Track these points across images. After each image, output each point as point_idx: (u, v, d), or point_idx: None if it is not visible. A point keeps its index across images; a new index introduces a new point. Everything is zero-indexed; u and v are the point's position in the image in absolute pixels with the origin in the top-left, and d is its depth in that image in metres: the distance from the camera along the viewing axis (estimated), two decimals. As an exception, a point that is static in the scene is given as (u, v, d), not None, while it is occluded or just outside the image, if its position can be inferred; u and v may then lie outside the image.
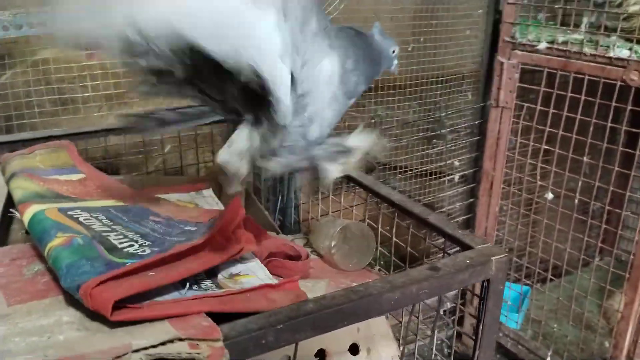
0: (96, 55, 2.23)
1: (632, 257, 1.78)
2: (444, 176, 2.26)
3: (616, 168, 1.82)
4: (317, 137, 0.94)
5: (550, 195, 2.00)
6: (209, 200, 1.35)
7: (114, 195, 1.23)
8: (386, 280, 0.89)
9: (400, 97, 2.15)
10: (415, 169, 2.31)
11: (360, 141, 0.99)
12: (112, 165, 1.58)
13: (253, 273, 1.04)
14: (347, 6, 1.93)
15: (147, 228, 1.07)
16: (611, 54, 1.74)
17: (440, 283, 0.91)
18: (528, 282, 2.24)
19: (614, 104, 1.77)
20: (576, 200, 1.93)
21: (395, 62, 1.11)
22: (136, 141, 1.64)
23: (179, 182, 1.45)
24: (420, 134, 2.18)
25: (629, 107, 1.75)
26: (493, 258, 0.96)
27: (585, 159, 1.87)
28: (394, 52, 1.10)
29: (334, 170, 0.97)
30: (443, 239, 1.11)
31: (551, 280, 2.16)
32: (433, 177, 2.28)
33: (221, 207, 1.30)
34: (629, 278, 1.79)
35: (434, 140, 2.16)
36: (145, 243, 0.99)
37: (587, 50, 1.81)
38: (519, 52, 2.01)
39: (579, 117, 1.86)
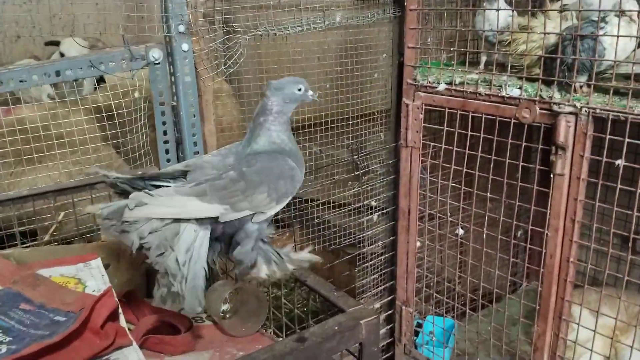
0: (11, 111, 2.18)
1: (539, 287, 1.82)
2: (363, 216, 2.27)
3: (534, 187, 1.86)
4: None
5: (460, 231, 2.03)
6: (94, 272, 1.32)
7: (-9, 276, 1.19)
8: (250, 357, 0.88)
9: (317, 135, 2.20)
10: (340, 204, 2.34)
11: (303, 257, 1.24)
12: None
13: (125, 357, 1.01)
14: (278, 49, 2.01)
15: (13, 320, 1.04)
16: (504, 93, 1.80)
17: (306, 355, 0.91)
18: (462, 309, 2.26)
19: (509, 140, 1.82)
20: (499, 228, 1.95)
21: (309, 93, 1.30)
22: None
23: (69, 253, 1.41)
24: (336, 177, 2.19)
25: (523, 144, 1.81)
26: (362, 322, 0.96)
27: (488, 194, 1.92)
28: (299, 90, 1.28)
29: (264, 270, 1.20)
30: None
31: (475, 310, 2.18)
32: (355, 216, 2.30)
33: (106, 280, 1.27)
34: (539, 309, 1.83)
35: (349, 183, 2.18)
36: (5, 340, 0.96)
37: (482, 90, 1.86)
38: (422, 94, 2.06)
39: (479, 154, 1.91)
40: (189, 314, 1.16)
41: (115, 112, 1.94)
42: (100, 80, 2.70)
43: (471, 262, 2.03)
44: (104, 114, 1.94)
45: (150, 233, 1.09)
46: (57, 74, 1.55)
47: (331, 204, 2.50)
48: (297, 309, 1.28)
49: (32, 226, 1.57)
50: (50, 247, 1.56)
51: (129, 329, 1.16)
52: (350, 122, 2.37)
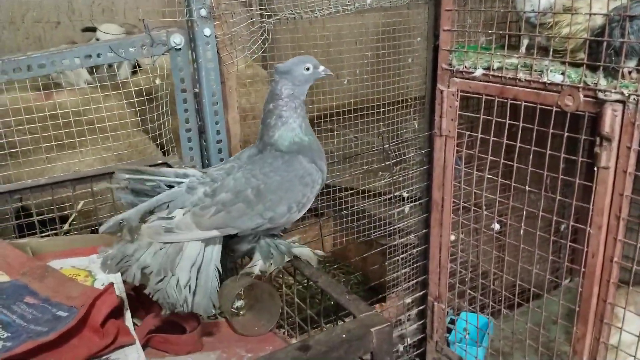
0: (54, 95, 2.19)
1: (580, 288, 1.70)
2: (395, 207, 2.19)
3: (579, 181, 1.74)
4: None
5: (497, 227, 1.92)
6: (107, 264, 1.28)
7: (0, 266, 1.17)
8: (249, 365, 0.82)
9: (352, 122, 2.13)
10: (371, 194, 2.27)
11: (302, 253, 1.20)
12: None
13: (125, 356, 0.97)
14: (313, 30, 1.93)
15: (15, 314, 1.01)
16: (545, 79, 1.68)
17: (309, 365, 0.84)
18: (497, 307, 2.15)
19: (551, 130, 1.70)
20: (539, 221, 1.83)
21: (320, 69, 1.22)
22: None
23: (87, 243, 1.39)
24: (366, 167, 2.11)
25: (565, 134, 1.68)
26: (374, 329, 0.89)
27: (527, 187, 1.80)
28: (307, 69, 1.19)
29: (260, 266, 1.16)
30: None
31: (512, 308, 2.07)
32: (387, 207, 2.22)
33: (118, 274, 1.23)
34: (579, 311, 1.71)
35: (380, 173, 2.09)
36: (2, 335, 0.93)
37: (522, 75, 1.74)
38: (457, 80, 1.95)
39: (518, 144, 1.79)
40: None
41: (145, 98, 1.92)
42: (137, 65, 2.71)
43: (507, 258, 1.92)
44: (135, 99, 1.92)
45: (152, 256, 1.05)
46: (64, 60, 1.51)
47: (363, 194, 2.42)
48: (310, 310, 1.21)
49: (50, 215, 1.55)
50: (67, 237, 1.54)
51: (136, 325, 1.12)
52: (384, 109, 2.29)
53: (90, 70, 2.42)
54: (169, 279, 1.05)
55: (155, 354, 1.07)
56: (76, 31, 3.31)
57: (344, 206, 2.43)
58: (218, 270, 1.11)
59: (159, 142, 2.04)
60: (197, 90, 1.71)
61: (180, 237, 1.08)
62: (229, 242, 1.19)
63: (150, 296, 1.05)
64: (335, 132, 2.41)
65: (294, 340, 1.29)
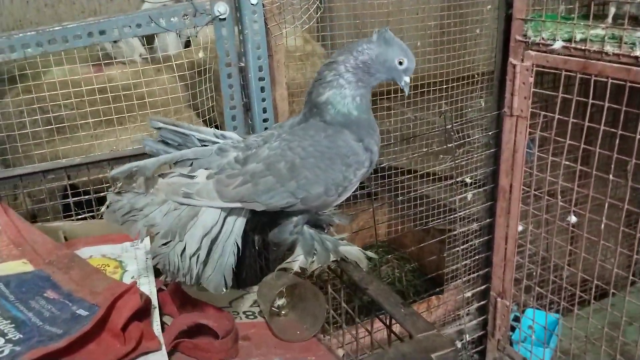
0: (104, 68, 2.13)
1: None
2: (456, 193, 2.00)
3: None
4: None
5: (573, 219, 1.71)
6: (140, 254, 1.19)
7: (26, 253, 1.09)
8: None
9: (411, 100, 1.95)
10: (431, 178, 2.10)
11: (350, 252, 1.06)
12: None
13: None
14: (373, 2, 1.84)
15: (32, 312, 0.92)
16: (637, 53, 1.45)
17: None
18: (567, 305, 1.95)
19: (642, 112, 1.47)
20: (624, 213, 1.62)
21: (406, 79, 1.05)
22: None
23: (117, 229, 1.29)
24: (425, 149, 1.93)
25: (660, 116, 1.45)
26: (434, 355, 0.73)
27: (611, 176, 1.58)
28: (400, 63, 1.03)
29: (300, 262, 1.03)
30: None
31: (582, 306, 1.87)
32: (448, 193, 2.05)
33: (149, 265, 1.13)
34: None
35: (441, 156, 1.91)
36: (14, 337, 0.84)
37: (609, 49, 1.52)
38: (533, 53, 1.73)
39: (602, 127, 1.57)
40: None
41: (195, 71, 1.82)
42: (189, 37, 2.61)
43: (584, 255, 1.71)
44: (187, 73, 1.82)
45: (163, 215, 0.93)
46: (102, 33, 1.40)
47: (422, 178, 2.25)
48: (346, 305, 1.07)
49: (87, 197, 1.47)
50: (102, 222, 1.45)
51: (165, 325, 1.01)
52: (447, 86, 2.09)
53: (146, 43, 2.35)
54: (175, 244, 0.94)
55: (183, 360, 0.96)
56: (131, 4, 3.25)
57: (400, 191, 2.26)
58: (238, 246, 0.99)
59: (207, 117, 1.94)
60: (242, 64, 1.58)
61: (199, 203, 0.96)
62: (268, 234, 1.06)
63: (151, 258, 0.94)
64: (392, 111, 2.24)
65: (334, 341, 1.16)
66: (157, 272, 1.07)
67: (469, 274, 2.12)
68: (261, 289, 1.13)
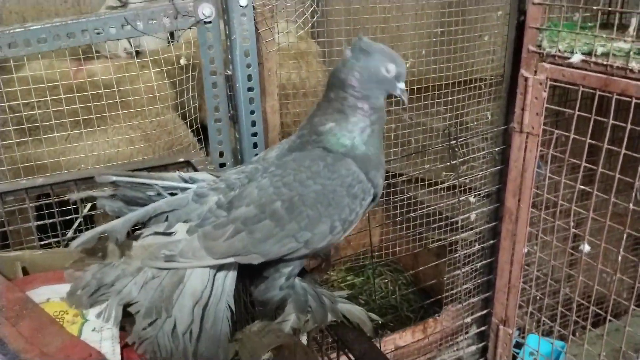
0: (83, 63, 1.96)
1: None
2: (458, 214, 1.86)
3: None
4: None
5: (586, 248, 1.58)
6: (103, 299, 1.03)
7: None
8: None
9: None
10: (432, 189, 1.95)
11: (351, 312, 0.93)
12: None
13: None
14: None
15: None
16: (667, 71, 1.31)
17: None
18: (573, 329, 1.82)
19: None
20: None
21: (401, 86, 0.89)
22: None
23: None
24: (426, 165, 1.79)
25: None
26: None
27: (631, 205, 1.44)
28: (388, 71, 0.87)
29: (292, 322, 0.89)
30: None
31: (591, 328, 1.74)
32: (449, 213, 1.91)
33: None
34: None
35: (443, 173, 1.77)
36: None
37: (634, 65, 1.37)
38: (547, 65, 1.59)
39: (623, 150, 1.43)
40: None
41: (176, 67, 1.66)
42: (170, 36, 2.44)
43: (597, 288, 1.58)
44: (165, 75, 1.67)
45: (140, 288, 0.77)
46: (69, 36, 1.24)
47: (422, 187, 2.10)
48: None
49: (51, 220, 1.31)
50: (66, 251, 1.29)
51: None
52: (448, 98, 1.94)
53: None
54: (163, 322, 0.79)
55: None
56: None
57: (393, 196, 2.11)
58: (230, 308, 0.84)
59: (191, 119, 1.78)
60: (229, 72, 1.42)
61: (185, 265, 0.81)
62: (253, 291, 0.91)
63: (135, 347, 0.79)
64: (393, 116, 2.09)
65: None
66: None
67: (469, 298, 1.99)
68: (244, 343, 0.98)
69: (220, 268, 0.84)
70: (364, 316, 0.92)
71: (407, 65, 0.97)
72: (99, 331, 0.94)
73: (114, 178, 0.86)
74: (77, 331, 0.94)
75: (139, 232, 0.85)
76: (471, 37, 1.85)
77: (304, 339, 0.96)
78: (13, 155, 1.63)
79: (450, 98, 1.96)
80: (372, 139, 0.89)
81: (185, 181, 0.90)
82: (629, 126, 1.41)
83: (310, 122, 0.91)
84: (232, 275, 0.85)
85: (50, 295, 1.03)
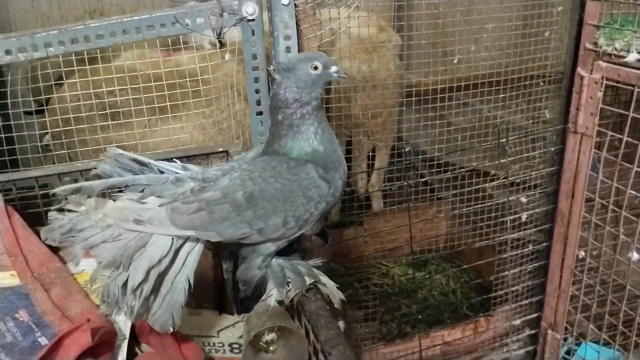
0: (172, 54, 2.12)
1: None
2: (508, 212, 1.83)
3: None
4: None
5: (635, 256, 1.50)
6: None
7: (17, 264, 1.07)
8: None
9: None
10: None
11: (327, 282, 1.02)
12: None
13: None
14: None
15: (-6, 334, 0.89)
16: None
17: None
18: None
19: None
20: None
21: (332, 69, 0.99)
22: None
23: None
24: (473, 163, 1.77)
25: None
26: None
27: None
28: (315, 67, 0.97)
29: (275, 296, 0.99)
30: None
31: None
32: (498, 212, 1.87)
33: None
34: None
35: (492, 172, 1.74)
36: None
37: (693, 66, 1.29)
38: (603, 64, 1.52)
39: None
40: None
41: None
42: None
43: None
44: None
45: (103, 242, 0.88)
46: (125, 32, 1.36)
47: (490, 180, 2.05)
48: None
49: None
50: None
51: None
52: (504, 95, 1.89)
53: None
54: (118, 274, 0.89)
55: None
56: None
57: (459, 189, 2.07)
58: (190, 283, 0.94)
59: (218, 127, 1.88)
60: (271, 67, 1.49)
61: (150, 230, 0.91)
62: (236, 274, 0.99)
63: (89, 285, 0.91)
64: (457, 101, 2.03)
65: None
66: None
67: (520, 300, 1.94)
68: (247, 323, 1.05)
69: (183, 245, 0.94)
70: (334, 289, 1.00)
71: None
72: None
73: (120, 151, 0.98)
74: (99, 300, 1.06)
75: (117, 194, 0.95)
76: (533, 34, 1.79)
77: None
78: (97, 138, 1.79)
79: (504, 103, 1.91)
80: (325, 134, 0.99)
81: (182, 170, 1.01)
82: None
83: (271, 147, 1.01)
84: (196, 251, 0.95)
85: (85, 267, 1.16)
